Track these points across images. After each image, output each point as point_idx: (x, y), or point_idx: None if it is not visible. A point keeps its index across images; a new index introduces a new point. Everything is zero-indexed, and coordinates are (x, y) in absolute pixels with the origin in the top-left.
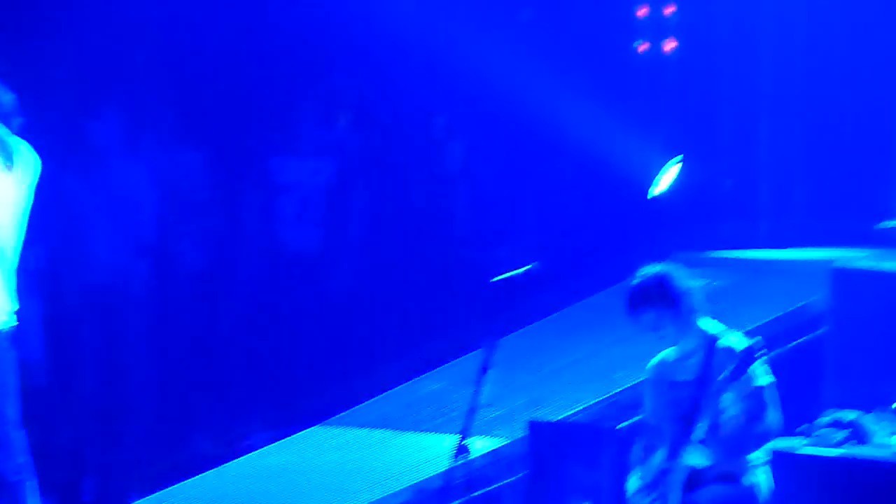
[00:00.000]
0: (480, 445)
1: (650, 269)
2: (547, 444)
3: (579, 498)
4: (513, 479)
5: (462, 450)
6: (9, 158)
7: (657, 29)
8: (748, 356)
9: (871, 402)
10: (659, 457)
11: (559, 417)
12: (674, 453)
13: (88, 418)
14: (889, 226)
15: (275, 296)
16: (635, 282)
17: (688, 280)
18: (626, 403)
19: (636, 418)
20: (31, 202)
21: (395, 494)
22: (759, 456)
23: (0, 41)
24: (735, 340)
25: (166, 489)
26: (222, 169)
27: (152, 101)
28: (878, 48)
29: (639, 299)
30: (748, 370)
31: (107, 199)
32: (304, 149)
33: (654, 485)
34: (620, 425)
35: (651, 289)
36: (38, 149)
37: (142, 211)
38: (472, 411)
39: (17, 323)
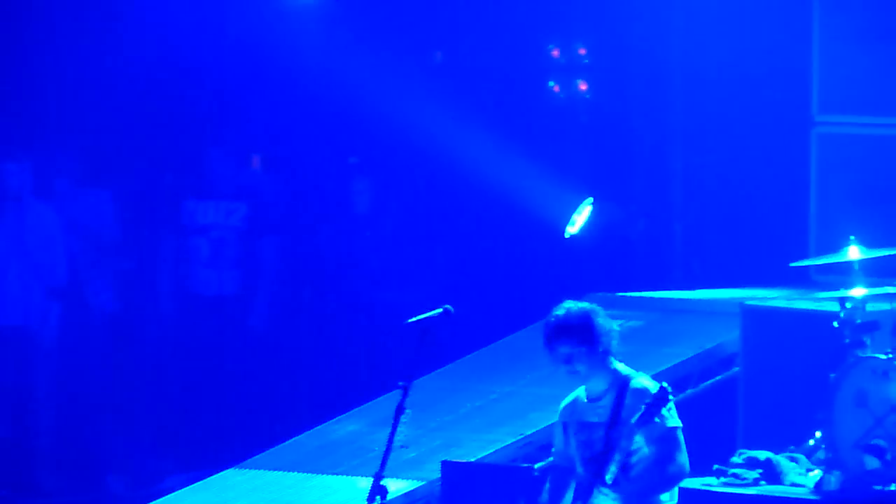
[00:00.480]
0: (396, 487)
1: (573, 305)
2: (461, 485)
3: None
4: None
5: (377, 491)
6: None
7: (570, 70)
8: (659, 399)
9: (784, 441)
10: (568, 499)
11: (474, 458)
12: (584, 496)
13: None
14: (800, 265)
15: (188, 338)
16: (557, 313)
17: (607, 321)
18: (542, 444)
19: (549, 459)
20: None
21: None
22: (668, 499)
23: None
24: (646, 383)
25: None
26: (134, 211)
27: (64, 144)
28: (785, 93)
29: (558, 333)
30: (659, 413)
31: (18, 241)
32: (217, 191)
33: None
34: (537, 465)
35: (571, 324)
36: None
37: (53, 253)
38: (387, 453)
39: None
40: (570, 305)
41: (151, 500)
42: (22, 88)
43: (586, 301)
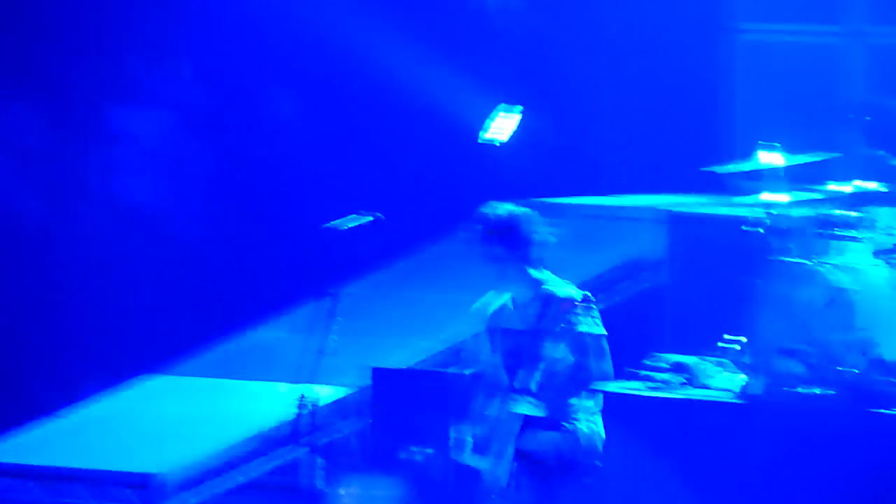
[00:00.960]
0: (325, 393)
1: (515, 209)
2: (392, 391)
3: (423, 444)
4: (357, 427)
5: (306, 398)
6: None
7: None
8: (584, 307)
9: (708, 345)
10: (494, 405)
11: (405, 366)
12: (508, 401)
13: None
14: (722, 171)
15: (114, 246)
16: (498, 213)
17: (544, 229)
18: (470, 351)
19: (476, 367)
20: None
21: (242, 443)
22: (590, 404)
23: None
24: (570, 292)
25: (5, 435)
26: (62, 120)
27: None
28: (710, 1)
29: (494, 232)
30: (582, 321)
31: None
32: (145, 99)
33: (488, 434)
34: (467, 371)
35: (509, 226)
36: None
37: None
38: (316, 359)
39: None
40: (510, 208)
41: (76, 403)
42: None
43: (531, 208)
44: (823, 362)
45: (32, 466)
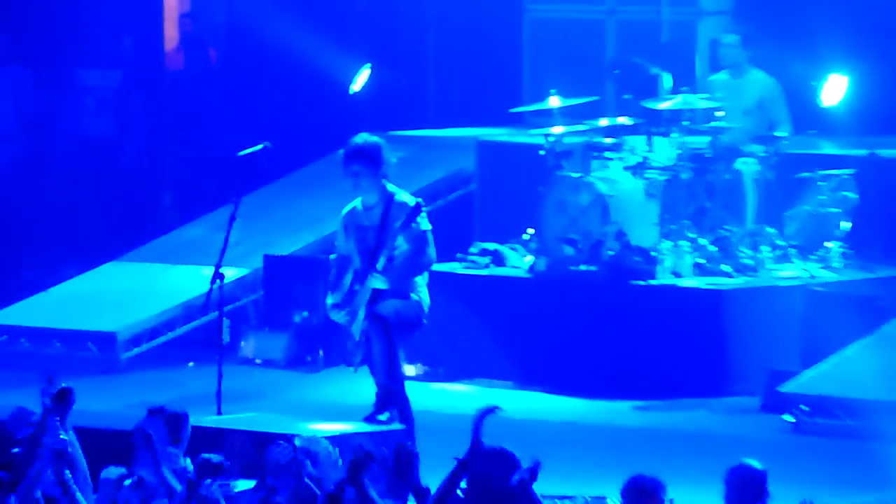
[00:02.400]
0: (230, 274)
1: (367, 137)
2: (277, 272)
3: (300, 310)
4: (253, 297)
5: (217, 276)
6: None
7: None
8: (415, 210)
9: (507, 236)
10: (349, 280)
11: (287, 252)
12: (361, 278)
13: None
14: (519, 110)
15: (82, 168)
16: (356, 141)
17: (388, 152)
18: (330, 242)
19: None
20: None
21: (167, 310)
22: (421, 280)
23: None
24: (406, 198)
25: (4, 308)
26: (43, 78)
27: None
28: None
29: (353, 155)
30: (415, 220)
31: None
32: (99, 62)
33: (346, 301)
34: (330, 257)
35: (363, 150)
36: None
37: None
38: (223, 249)
39: None
40: (365, 137)
41: (54, 285)
42: None
43: (380, 135)
44: (588, 247)
45: (25, 327)
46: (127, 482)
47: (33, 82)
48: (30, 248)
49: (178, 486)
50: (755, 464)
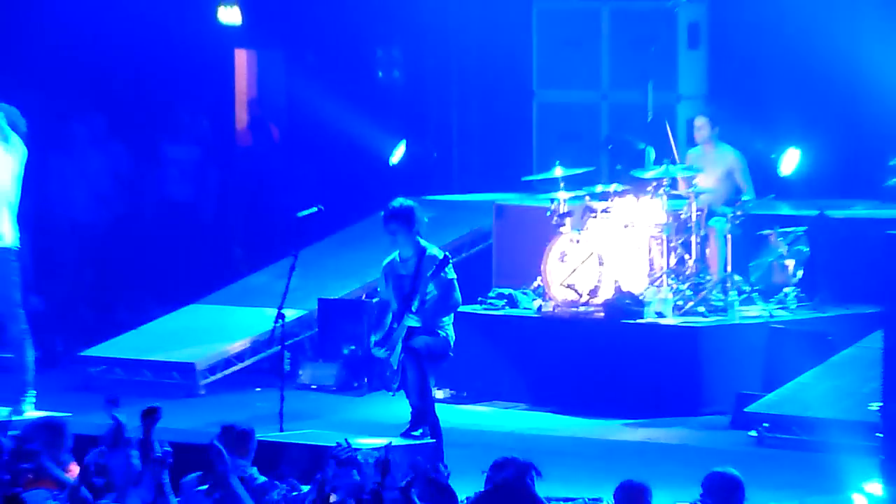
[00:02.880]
0: (291, 314)
1: (403, 200)
2: (329, 312)
3: (348, 344)
4: (309, 333)
5: (280, 316)
6: (6, 140)
7: (388, 64)
8: (443, 261)
9: (519, 284)
10: (389, 320)
11: (337, 296)
12: (398, 318)
13: (57, 298)
14: (529, 178)
15: (167, 226)
16: (393, 204)
17: (420, 212)
18: (373, 288)
19: (377, 298)
20: (22, 172)
21: (238, 344)
22: (448, 320)
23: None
24: (436, 251)
25: (103, 343)
26: (133, 150)
27: (96, 114)
28: (513, 72)
29: (391, 216)
30: (443, 269)
31: (74, 168)
32: (182, 138)
33: (386, 338)
34: (373, 300)
35: (401, 211)
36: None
37: (97, 176)
38: (284, 293)
39: (19, 244)
40: (401, 200)
41: (144, 324)
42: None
43: (413, 199)
44: (587, 292)
45: (120, 358)
46: (203, 487)
47: (128, 155)
48: (124, 293)
49: (243, 492)
50: (733, 471)
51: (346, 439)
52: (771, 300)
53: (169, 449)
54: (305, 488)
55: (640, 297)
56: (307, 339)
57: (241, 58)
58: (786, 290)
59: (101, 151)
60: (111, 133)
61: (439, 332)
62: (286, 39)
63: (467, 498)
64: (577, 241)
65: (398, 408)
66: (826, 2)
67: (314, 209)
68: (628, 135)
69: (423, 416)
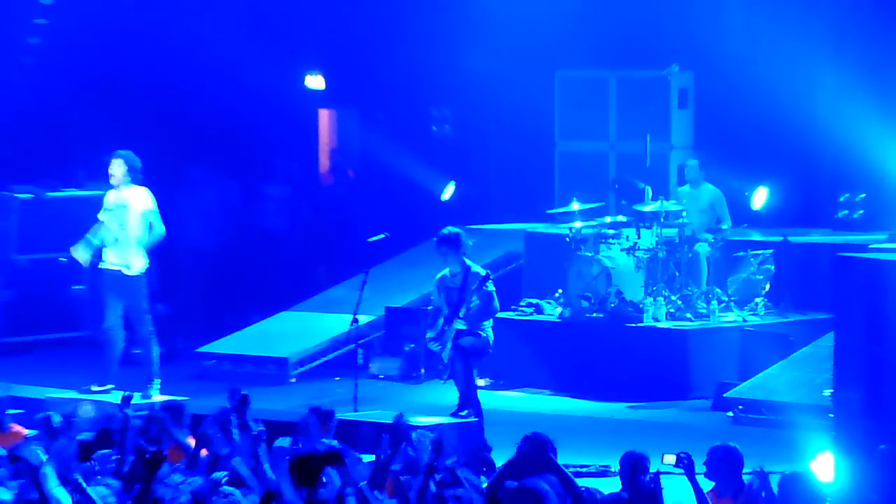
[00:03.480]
0: (363, 319)
1: (453, 228)
2: (394, 317)
3: (409, 342)
4: (378, 334)
5: (354, 321)
6: (129, 184)
7: (440, 120)
8: (485, 277)
9: (544, 295)
10: (441, 323)
11: (400, 304)
12: (448, 322)
13: (178, 306)
14: (552, 211)
15: (266, 249)
16: (443, 231)
17: (465, 238)
18: (428, 298)
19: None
20: (149, 211)
21: (321, 342)
22: (488, 324)
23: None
24: (479, 269)
25: (214, 342)
26: (238, 189)
27: (209, 160)
28: (538, 124)
29: (443, 240)
30: (484, 283)
31: (192, 203)
32: (278, 179)
33: (439, 337)
34: (429, 307)
35: (450, 237)
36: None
37: (210, 209)
38: (358, 303)
39: (146, 270)
40: (450, 228)
41: (247, 326)
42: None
43: (458, 228)
44: (597, 301)
45: (228, 353)
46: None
47: (234, 193)
48: (231, 302)
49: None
50: (734, 445)
51: (401, 413)
52: (744, 308)
53: (262, 428)
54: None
55: (640, 306)
56: (376, 339)
57: (324, 115)
58: (756, 300)
59: (213, 190)
60: (221, 175)
61: (481, 333)
62: (360, 101)
63: (501, 465)
64: (590, 262)
65: (448, 393)
66: (787, 70)
67: (381, 235)
68: (631, 177)
69: (468, 400)
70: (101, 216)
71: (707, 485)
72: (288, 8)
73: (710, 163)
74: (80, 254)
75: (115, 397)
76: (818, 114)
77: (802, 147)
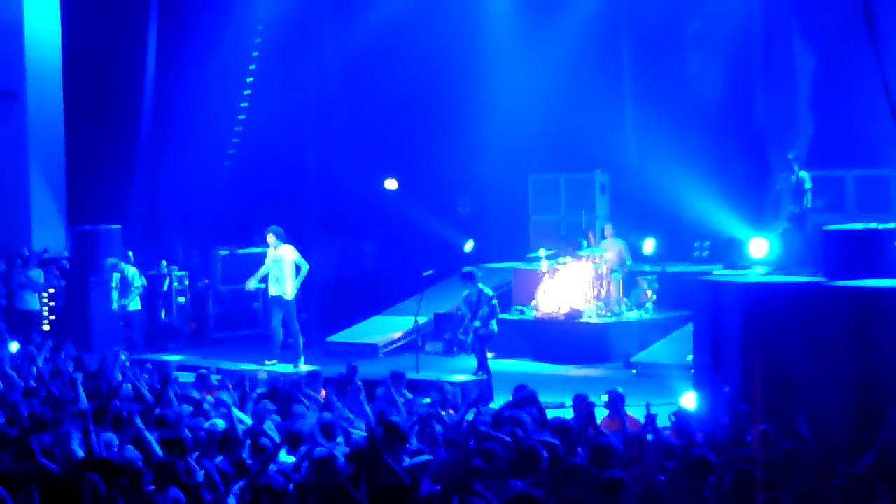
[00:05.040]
0: (421, 320)
1: (470, 267)
2: (439, 320)
3: (447, 332)
4: (430, 329)
5: (416, 321)
6: (282, 244)
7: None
8: (490, 297)
9: (526, 303)
10: (466, 321)
11: (442, 311)
12: (470, 321)
13: (313, 313)
14: (530, 255)
15: (362, 280)
16: (465, 269)
17: (475, 272)
18: (458, 308)
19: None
20: (297, 259)
21: (398, 332)
22: (493, 322)
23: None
24: (487, 290)
25: (334, 334)
26: (347, 243)
27: (319, 228)
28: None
29: (464, 275)
30: (490, 300)
31: (320, 254)
32: (369, 238)
33: (465, 330)
34: (458, 313)
35: (468, 273)
36: (296, 242)
37: (328, 259)
38: (417, 310)
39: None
40: (469, 267)
41: (343, 329)
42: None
43: (473, 267)
44: (557, 307)
45: (342, 342)
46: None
47: (346, 246)
48: (344, 311)
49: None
50: (619, 389)
51: (437, 378)
52: (640, 310)
53: (360, 384)
54: (427, 400)
55: (581, 311)
56: (429, 331)
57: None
58: (647, 304)
59: (331, 246)
60: (336, 237)
61: (489, 328)
62: (416, 193)
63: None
64: (551, 284)
65: (470, 362)
66: (666, 168)
67: (430, 272)
68: (573, 235)
69: (482, 365)
70: (267, 263)
71: (605, 413)
72: (374, 136)
73: (619, 225)
74: (249, 284)
75: (279, 367)
76: (681, 195)
77: (673, 213)
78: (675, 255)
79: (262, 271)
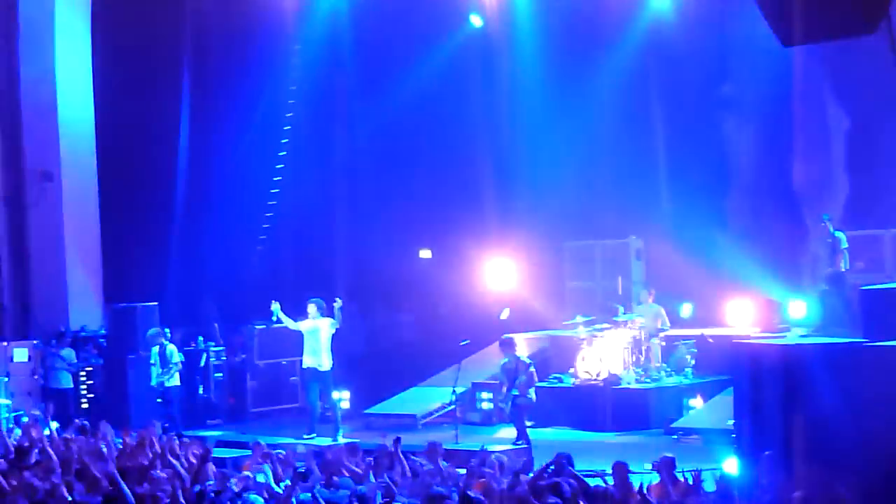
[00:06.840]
0: (459, 389)
1: (507, 335)
2: (476, 387)
3: (486, 403)
4: (468, 398)
5: (454, 392)
6: (321, 315)
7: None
8: (528, 364)
9: (564, 370)
10: (504, 391)
11: (479, 380)
12: (509, 390)
13: (353, 386)
14: (567, 322)
15: (398, 353)
16: (503, 337)
17: (513, 339)
18: (496, 377)
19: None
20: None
21: (436, 404)
22: (531, 390)
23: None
24: (525, 358)
25: (374, 406)
26: (382, 316)
27: (365, 300)
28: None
29: (503, 343)
30: (528, 368)
31: (353, 328)
32: (403, 310)
33: (504, 399)
34: (496, 382)
35: (507, 340)
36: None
37: (366, 330)
38: (455, 381)
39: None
40: (507, 335)
41: (389, 398)
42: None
43: (509, 336)
44: (595, 374)
45: (382, 413)
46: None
47: (381, 319)
48: (383, 383)
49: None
50: (669, 454)
51: (483, 446)
52: (679, 375)
53: (401, 456)
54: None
55: (619, 377)
56: (467, 401)
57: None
58: (686, 370)
59: (367, 319)
60: (372, 310)
61: (528, 396)
62: (448, 267)
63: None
64: (589, 351)
65: (510, 432)
66: (703, 234)
67: (466, 341)
68: (610, 301)
69: (522, 434)
70: (302, 328)
71: (656, 478)
72: (408, 206)
73: (656, 291)
74: (275, 305)
75: (318, 442)
76: (718, 258)
77: (709, 277)
78: (712, 320)
79: (294, 324)
